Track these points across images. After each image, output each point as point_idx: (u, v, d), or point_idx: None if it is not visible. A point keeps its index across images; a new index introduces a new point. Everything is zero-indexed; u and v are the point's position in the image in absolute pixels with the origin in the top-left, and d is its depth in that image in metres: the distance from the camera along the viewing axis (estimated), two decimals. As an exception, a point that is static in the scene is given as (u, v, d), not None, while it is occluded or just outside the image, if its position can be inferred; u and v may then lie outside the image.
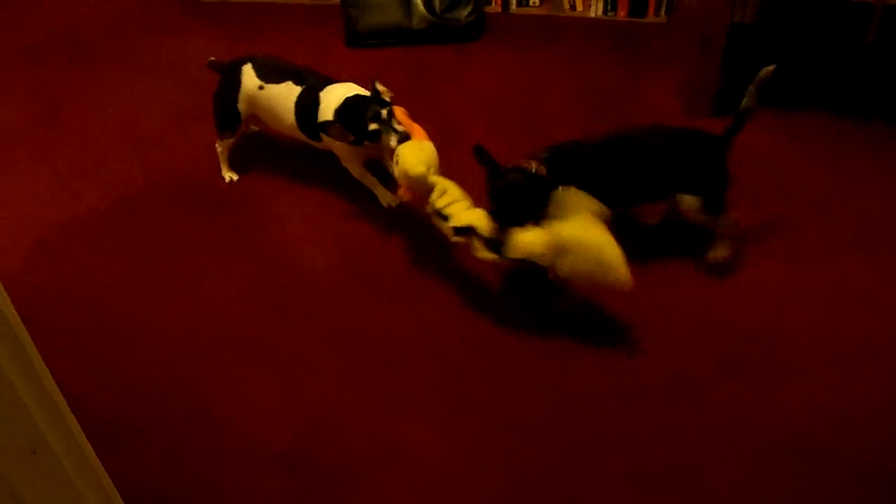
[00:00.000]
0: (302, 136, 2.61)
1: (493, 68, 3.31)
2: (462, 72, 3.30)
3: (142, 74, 3.35)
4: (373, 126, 2.34)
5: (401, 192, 2.34)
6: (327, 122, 2.41)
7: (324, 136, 2.50)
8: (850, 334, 2.24)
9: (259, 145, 2.92)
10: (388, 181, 2.60)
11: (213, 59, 2.75)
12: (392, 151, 2.32)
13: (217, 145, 2.77)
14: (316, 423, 2.10)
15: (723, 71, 2.94)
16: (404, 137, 2.30)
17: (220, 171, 2.82)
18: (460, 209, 2.22)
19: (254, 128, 2.95)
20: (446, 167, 2.81)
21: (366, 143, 2.40)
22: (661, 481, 1.95)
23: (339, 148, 2.54)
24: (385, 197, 2.67)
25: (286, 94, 2.54)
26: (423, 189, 2.27)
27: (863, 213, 2.59)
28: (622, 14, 3.58)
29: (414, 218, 2.63)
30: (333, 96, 2.47)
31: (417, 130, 2.35)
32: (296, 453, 2.04)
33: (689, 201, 2.31)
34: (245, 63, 2.63)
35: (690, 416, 2.07)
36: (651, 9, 3.54)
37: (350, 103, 2.42)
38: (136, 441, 2.09)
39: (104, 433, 2.08)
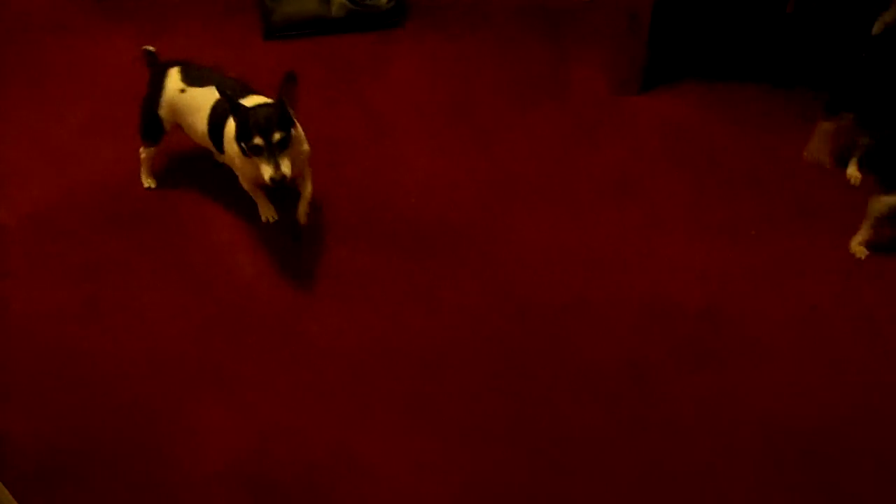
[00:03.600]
0: (210, 146, 2.44)
1: (419, 56, 3.23)
2: (386, 61, 3.21)
3: (47, 80, 3.15)
4: (257, 140, 2.09)
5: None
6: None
7: (226, 149, 2.32)
8: (796, 306, 2.26)
9: (179, 152, 2.78)
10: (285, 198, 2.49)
11: (150, 49, 2.53)
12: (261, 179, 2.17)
13: (141, 150, 2.62)
14: (270, 442, 2.02)
15: (647, 46, 2.93)
16: (282, 180, 2.11)
17: (139, 179, 2.67)
18: None
19: None
20: (375, 163, 2.74)
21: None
22: (631, 475, 1.94)
23: (236, 164, 2.34)
24: (266, 211, 2.48)
25: (206, 97, 2.35)
26: None
27: (796, 182, 2.62)
28: (545, -8, 3.53)
29: (346, 216, 2.55)
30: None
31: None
32: (252, 476, 1.95)
33: None
34: (174, 66, 2.46)
35: (650, 404, 2.07)
36: (573, -14, 3.50)
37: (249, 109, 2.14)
38: (75, 481, 1.97)
39: (36, 475, 1.97)
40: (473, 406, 2.07)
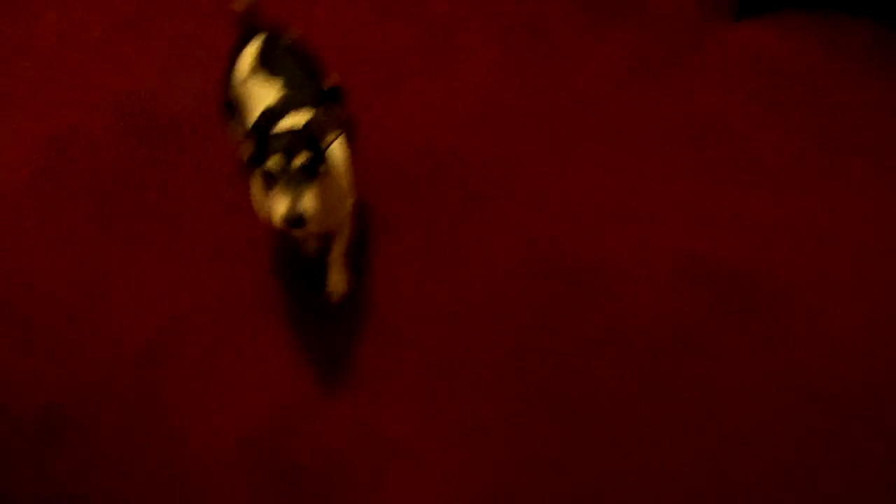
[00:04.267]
0: None
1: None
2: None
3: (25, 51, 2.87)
4: (271, 164, 1.60)
5: None
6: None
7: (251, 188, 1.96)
8: (837, 264, 2.08)
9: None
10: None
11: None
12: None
13: None
14: (288, 418, 1.92)
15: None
16: (298, 221, 1.59)
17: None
18: None
19: None
20: (436, 79, 2.49)
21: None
22: (665, 439, 1.87)
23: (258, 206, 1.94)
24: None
25: (264, 94, 1.85)
26: None
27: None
28: None
29: (384, 156, 2.34)
30: (290, 122, 1.77)
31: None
32: (268, 453, 1.88)
33: None
34: (255, 38, 1.94)
35: (686, 365, 1.96)
36: None
37: (285, 131, 1.67)
38: (82, 447, 1.91)
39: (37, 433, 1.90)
40: (502, 378, 1.95)
